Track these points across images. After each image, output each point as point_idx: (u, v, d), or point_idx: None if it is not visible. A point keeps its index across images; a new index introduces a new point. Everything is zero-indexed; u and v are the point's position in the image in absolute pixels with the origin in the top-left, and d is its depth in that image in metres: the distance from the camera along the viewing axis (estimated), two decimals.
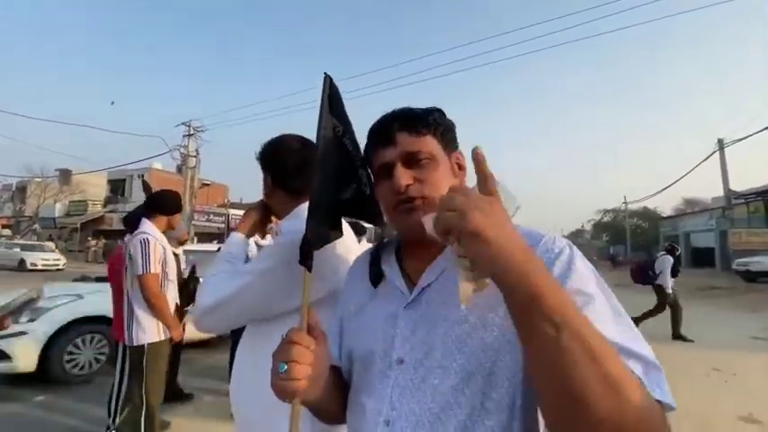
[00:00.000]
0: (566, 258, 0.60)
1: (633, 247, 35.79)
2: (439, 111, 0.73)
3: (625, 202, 38.32)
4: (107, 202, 27.73)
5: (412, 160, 0.69)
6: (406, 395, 0.61)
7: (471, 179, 0.73)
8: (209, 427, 3.09)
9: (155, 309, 2.41)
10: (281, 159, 1.06)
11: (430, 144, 0.70)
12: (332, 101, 0.76)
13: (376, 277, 0.75)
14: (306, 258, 0.69)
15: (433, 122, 0.71)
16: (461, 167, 0.75)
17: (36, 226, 28.19)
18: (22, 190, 33.02)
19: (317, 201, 0.73)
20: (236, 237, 1.13)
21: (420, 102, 0.76)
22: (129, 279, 2.45)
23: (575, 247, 0.63)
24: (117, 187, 27.86)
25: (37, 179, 30.99)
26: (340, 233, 0.83)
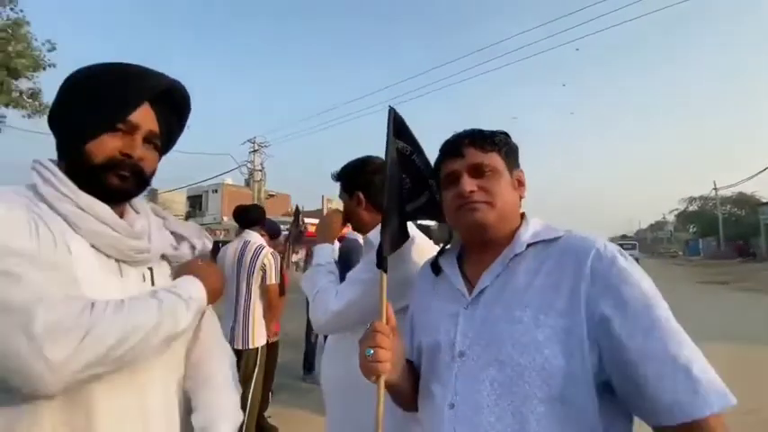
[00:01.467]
0: (617, 270, 0.67)
1: (727, 237, 31.62)
2: (504, 133, 0.84)
3: (715, 188, 34.05)
4: (187, 216, 30.84)
5: (477, 171, 0.80)
6: (468, 383, 0.72)
7: (531, 194, 0.84)
8: (303, 417, 3.37)
9: (275, 315, 2.76)
10: (370, 178, 1.23)
11: (494, 159, 0.80)
12: (399, 128, 0.90)
13: (436, 270, 0.89)
14: (381, 262, 0.83)
15: (498, 142, 0.81)
16: (521, 183, 0.85)
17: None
18: None
19: (387, 214, 0.87)
20: (328, 248, 1.26)
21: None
22: (246, 285, 2.66)
23: (627, 256, 0.70)
24: (195, 203, 30.85)
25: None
26: (406, 238, 0.97)
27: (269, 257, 2.71)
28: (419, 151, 0.96)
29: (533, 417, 0.65)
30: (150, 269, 0.81)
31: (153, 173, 0.81)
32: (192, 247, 0.90)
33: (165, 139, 0.83)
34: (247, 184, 21.00)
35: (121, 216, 0.78)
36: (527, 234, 0.79)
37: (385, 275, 0.82)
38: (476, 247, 0.84)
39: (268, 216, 3.26)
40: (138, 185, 0.77)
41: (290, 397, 3.87)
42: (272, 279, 2.70)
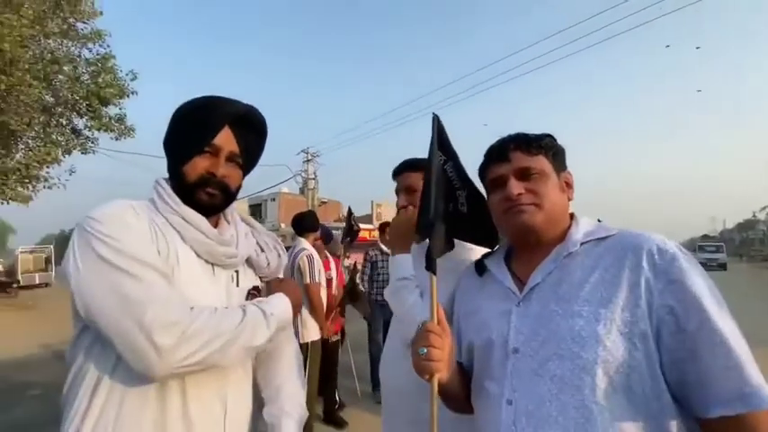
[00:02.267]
0: (679, 265, 0.68)
1: None
2: (550, 136, 0.85)
3: None
4: None
5: (524, 175, 0.82)
6: (525, 379, 0.73)
7: (578, 195, 0.84)
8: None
9: (316, 311, 2.93)
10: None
11: (541, 162, 0.82)
12: (440, 135, 0.94)
13: (480, 270, 0.91)
14: (431, 264, 0.87)
15: (545, 145, 0.83)
16: (569, 185, 0.85)
17: None
18: None
19: (434, 218, 0.90)
20: (408, 259, 1.20)
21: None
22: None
23: (688, 254, 0.70)
24: (255, 211, 32.79)
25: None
26: (452, 245, 0.98)
27: (303, 259, 2.92)
28: (453, 160, 0.97)
29: (597, 409, 0.65)
30: (237, 272, 0.93)
31: (238, 188, 0.93)
32: (270, 259, 1.01)
33: (246, 158, 0.93)
34: (302, 192, 21.99)
35: (216, 225, 0.91)
36: (579, 233, 0.80)
37: (434, 277, 0.86)
38: (524, 247, 0.85)
39: (321, 222, 3.43)
40: (224, 200, 0.89)
41: (353, 399, 3.98)
42: (308, 279, 2.89)
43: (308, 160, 20.24)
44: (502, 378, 0.76)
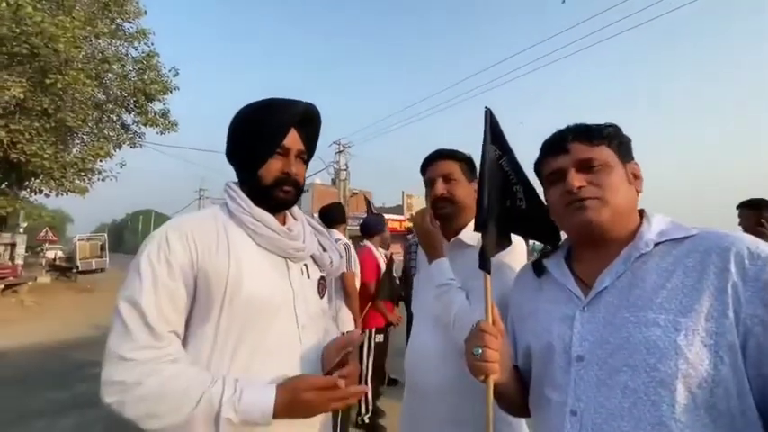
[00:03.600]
0: None
1: None
2: (614, 126, 0.78)
3: None
4: None
5: (585, 167, 0.75)
6: (592, 389, 0.67)
7: (647, 186, 0.76)
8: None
9: (351, 299, 2.95)
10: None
11: (604, 153, 0.75)
12: (493, 129, 0.88)
13: (538, 271, 0.85)
14: (485, 263, 0.83)
15: (607, 135, 0.76)
16: (636, 176, 0.77)
17: None
18: None
19: (487, 215, 0.86)
20: (445, 263, 1.15)
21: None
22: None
23: None
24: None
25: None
26: (509, 242, 0.94)
27: (340, 248, 2.88)
28: (509, 154, 0.92)
29: (677, 427, 0.59)
30: (306, 265, 0.99)
31: (304, 181, 0.99)
32: (333, 259, 1.08)
33: (310, 153, 1.00)
34: (333, 183, 22.28)
35: (283, 223, 0.98)
36: (652, 232, 0.72)
37: (489, 277, 0.81)
38: (588, 246, 0.78)
39: (352, 213, 3.38)
40: (296, 195, 0.96)
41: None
42: (344, 267, 2.86)
43: (340, 151, 20.41)
44: (564, 386, 0.71)
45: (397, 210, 27.88)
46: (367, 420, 3.07)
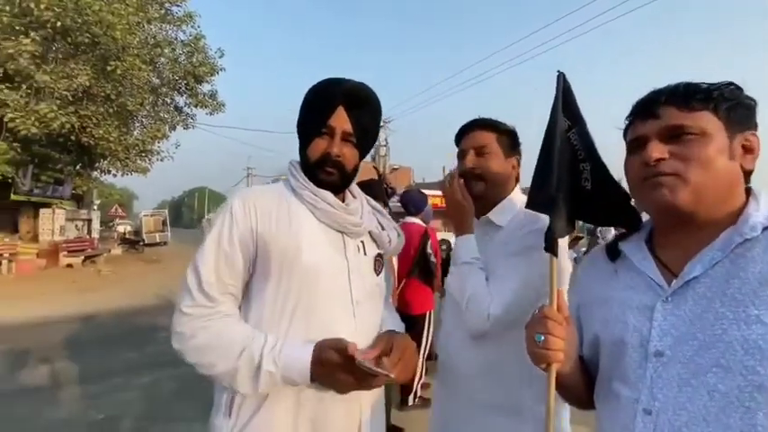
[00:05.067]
0: None
1: None
2: (731, 85, 0.65)
3: None
4: None
5: (673, 135, 0.64)
6: (673, 389, 0.60)
7: (764, 161, 0.64)
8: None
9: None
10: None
11: (704, 119, 0.63)
12: (565, 96, 0.78)
13: (612, 255, 0.76)
14: (552, 245, 0.75)
15: (717, 96, 0.63)
16: (748, 150, 0.64)
17: None
18: None
19: (556, 192, 0.77)
20: (471, 240, 1.08)
21: None
22: None
23: None
24: None
25: (283, 177, 41.52)
26: (573, 226, 0.85)
27: None
28: (580, 126, 0.81)
29: None
30: (363, 242, 0.99)
31: (355, 166, 0.97)
32: (391, 237, 1.06)
33: (361, 136, 0.95)
34: (373, 159, 22.29)
35: (343, 200, 0.99)
36: (760, 214, 0.61)
37: (555, 260, 0.75)
38: (675, 228, 0.68)
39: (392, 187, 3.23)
40: (341, 178, 0.94)
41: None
42: (401, 248, 2.78)
43: (380, 127, 20.28)
44: (637, 382, 0.64)
45: (440, 186, 27.39)
46: (410, 403, 3.07)
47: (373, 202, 1.10)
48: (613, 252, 0.76)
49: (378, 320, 0.99)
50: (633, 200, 0.75)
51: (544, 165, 0.81)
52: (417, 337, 3.13)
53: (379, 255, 1.02)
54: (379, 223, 1.05)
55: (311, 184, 0.92)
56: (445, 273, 3.21)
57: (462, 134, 1.16)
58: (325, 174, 0.92)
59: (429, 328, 3.09)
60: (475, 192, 1.09)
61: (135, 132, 12.39)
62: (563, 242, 0.97)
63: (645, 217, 0.78)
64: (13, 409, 3.16)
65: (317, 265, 0.87)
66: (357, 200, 1.02)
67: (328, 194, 0.92)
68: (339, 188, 0.97)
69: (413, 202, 3.09)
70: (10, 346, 4.75)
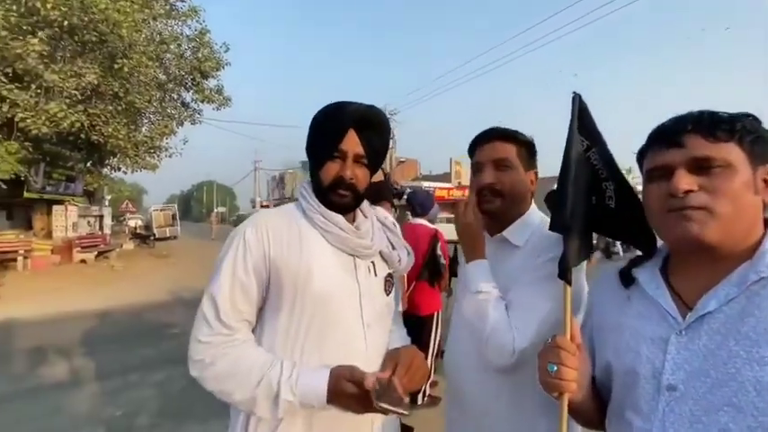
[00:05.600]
0: None
1: None
2: (752, 117, 0.64)
3: None
4: None
5: (700, 167, 0.62)
6: (684, 424, 0.60)
7: None
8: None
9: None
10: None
11: (730, 152, 0.62)
12: (581, 117, 0.77)
13: (626, 281, 0.75)
14: (565, 273, 0.75)
15: (740, 129, 0.62)
16: None
17: None
18: (281, 179, 44.86)
19: (571, 219, 0.77)
20: (485, 266, 0.99)
21: None
22: None
23: None
24: None
25: (289, 170, 41.60)
26: (590, 250, 0.84)
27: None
28: (600, 146, 0.80)
29: None
30: (373, 263, 0.99)
31: (367, 186, 0.98)
32: (401, 256, 1.06)
33: (372, 156, 0.96)
34: None
35: (353, 220, 1.00)
36: None
37: (569, 288, 0.75)
38: (690, 258, 0.67)
39: (397, 181, 3.21)
40: (354, 199, 0.95)
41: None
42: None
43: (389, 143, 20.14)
44: (650, 414, 0.64)
45: (445, 177, 27.29)
46: (419, 402, 3.07)
47: (383, 218, 1.09)
48: (627, 278, 0.76)
49: (387, 340, 1.01)
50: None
51: (560, 187, 0.81)
52: (426, 337, 3.15)
53: (389, 275, 1.03)
54: (390, 242, 1.05)
55: (322, 207, 0.93)
56: (452, 272, 3.23)
57: (478, 145, 1.06)
58: (339, 196, 0.93)
59: (437, 327, 3.12)
60: (491, 209, 1.01)
61: (143, 129, 12.46)
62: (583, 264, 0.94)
63: (659, 241, 0.77)
64: (35, 407, 3.28)
65: (328, 289, 0.89)
66: (368, 220, 1.02)
67: (339, 218, 0.93)
68: (351, 209, 0.98)
69: (419, 203, 3.08)
70: (29, 342, 4.90)
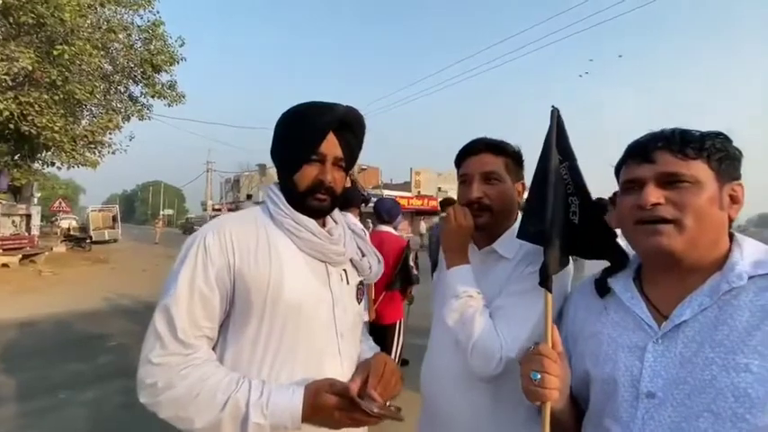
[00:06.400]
0: None
1: None
2: (722, 136, 0.68)
3: None
4: None
5: (668, 181, 0.66)
6: (665, 431, 0.62)
7: (749, 210, 0.67)
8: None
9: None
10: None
11: (697, 169, 0.66)
12: (558, 131, 0.80)
13: (602, 290, 0.77)
14: (546, 280, 0.76)
15: (709, 147, 0.66)
16: (735, 200, 0.68)
17: None
18: (236, 182, 43.22)
19: (551, 228, 0.78)
20: (468, 271, 0.99)
21: None
22: None
23: None
24: None
25: (245, 173, 40.23)
26: (568, 260, 0.85)
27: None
28: (570, 160, 0.83)
29: None
30: (345, 270, 0.95)
31: (343, 189, 0.94)
32: (371, 264, 1.02)
33: (349, 158, 0.93)
34: None
35: (323, 226, 0.94)
36: (745, 263, 0.64)
37: (550, 295, 0.75)
38: (662, 269, 0.71)
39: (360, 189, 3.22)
40: (332, 203, 0.91)
41: None
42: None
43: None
44: (629, 422, 0.66)
45: (405, 186, 27.72)
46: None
47: (353, 225, 1.06)
48: (603, 288, 0.78)
49: (359, 351, 0.97)
50: (622, 237, 0.78)
51: (537, 197, 0.82)
52: (389, 346, 3.13)
53: (360, 282, 1.00)
54: (360, 249, 1.02)
55: (293, 211, 0.88)
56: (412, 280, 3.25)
57: (466, 156, 1.04)
58: (318, 201, 0.88)
59: (399, 336, 3.11)
60: (479, 223, 0.99)
61: (83, 122, 11.48)
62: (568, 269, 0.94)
63: (630, 251, 0.80)
64: None
65: (301, 298, 0.83)
66: (339, 226, 0.98)
67: (311, 223, 0.88)
68: (327, 213, 0.94)
69: (386, 210, 3.08)
70: None
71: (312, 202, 0.88)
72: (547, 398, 0.68)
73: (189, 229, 36.09)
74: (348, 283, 0.94)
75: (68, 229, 20.29)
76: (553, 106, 0.81)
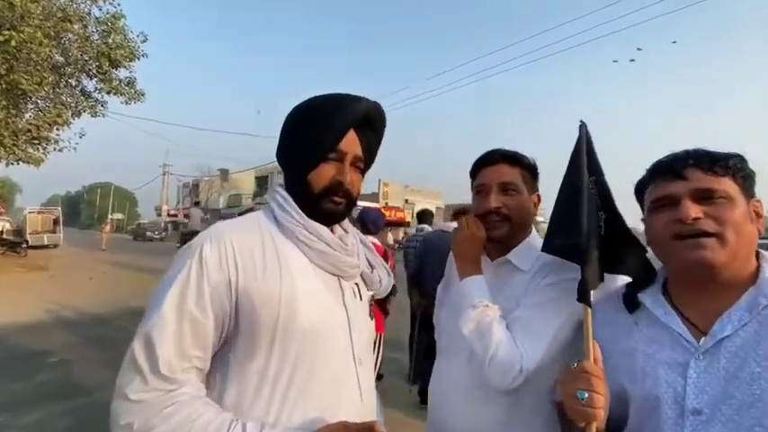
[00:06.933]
0: None
1: None
2: (740, 156, 0.72)
3: None
4: (255, 195, 32.95)
5: (703, 197, 0.69)
6: None
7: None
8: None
9: None
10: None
11: (727, 185, 0.69)
12: (588, 145, 0.82)
13: (631, 305, 0.78)
14: (585, 296, 0.76)
15: (732, 166, 0.70)
16: (759, 215, 0.71)
17: (208, 216, 35.16)
18: (195, 186, 41.29)
19: (587, 242, 0.78)
20: (481, 282, 0.98)
21: None
22: None
23: None
24: (262, 183, 32.68)
25: (205, 178, 38.56)
26: (603, 276, 0.84)
27: None
28: (599, 173, 0.84)
29: None
30: (357, 284, 0.87)
31: (359, 193, 0.85)
32: (381, 277, 0.93)
33: (368, 159, 0.86)
34: None
35: (333, 234, 0.84)
36: None
37: (590, 311, 0.75)
38: (695, 285, 0.72)
39: None
40: (348, 207, 0.83)
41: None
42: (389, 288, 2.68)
43: None
44: None
45: (373, 197, 27.85)
46: None
47: (361, 236, 0.98)
48: (632, 303, 0.79)
49: (374, 376, 0.88)
50: (650, 252, 0.79)
51: (566, 211, 0.82)
52: None
53: (372, 297, 0.91)
54: (368, 260, 0.93)
55: (306, 218, 0.78)
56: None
57: (482, 166, 1.04)
58: (334, 204, 0.80)
59: (379, 350, 3.06)
60: (498, 235, 0.99)
61: (27, 115, 10.52)
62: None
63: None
64: None
65: (317, 320, 0.73)
66: (350, 235, 0.89)
67: (325, 231, 0.79)
68: (342, 219, 0.86)
69: (372, 220, 3.04)
70: None
71: (327, 205, 0.79)
72: (595, 418, 0.67)
73: (141, 234, 33.91)
74: (361, 298, 0.86)
75: (1, 232, 18.35)
76: (581, 121, 0.83)
